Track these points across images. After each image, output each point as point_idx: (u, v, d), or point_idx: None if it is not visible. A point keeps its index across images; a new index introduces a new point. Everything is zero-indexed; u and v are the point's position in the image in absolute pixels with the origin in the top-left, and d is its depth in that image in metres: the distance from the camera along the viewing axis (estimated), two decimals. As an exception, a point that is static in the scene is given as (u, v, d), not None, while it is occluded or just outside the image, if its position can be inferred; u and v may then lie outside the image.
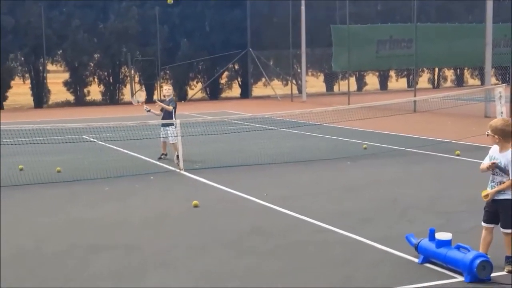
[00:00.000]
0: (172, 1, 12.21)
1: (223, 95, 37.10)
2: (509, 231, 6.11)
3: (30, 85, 33.28)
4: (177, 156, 12.63)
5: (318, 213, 8.60)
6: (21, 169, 12.45)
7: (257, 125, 18.44)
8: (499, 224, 6.19)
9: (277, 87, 37.23)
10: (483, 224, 6.29)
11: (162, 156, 13.81)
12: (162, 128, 13.70)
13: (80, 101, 33.73)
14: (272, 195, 9.89)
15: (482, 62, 21.87)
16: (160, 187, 10.94)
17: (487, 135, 6.24)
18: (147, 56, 33.52)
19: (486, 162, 6.24)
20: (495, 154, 6.21)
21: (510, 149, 6.14)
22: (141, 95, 15.00)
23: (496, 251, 6.23)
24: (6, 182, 11.14)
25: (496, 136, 6.16)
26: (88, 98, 34.38)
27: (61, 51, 33.46)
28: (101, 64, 34.21)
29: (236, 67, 37.57)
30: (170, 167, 12.67)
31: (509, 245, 6.13)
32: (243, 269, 6.46)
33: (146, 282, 6.15)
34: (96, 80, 34.64)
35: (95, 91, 34.72)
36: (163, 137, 13.76)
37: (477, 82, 39.81)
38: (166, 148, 13.87)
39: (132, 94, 14.59)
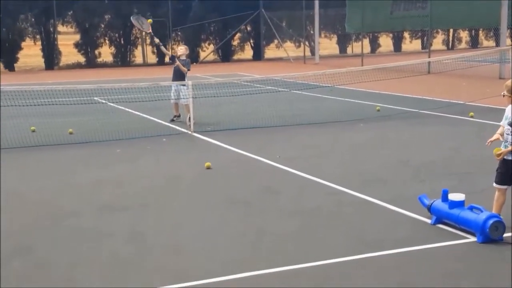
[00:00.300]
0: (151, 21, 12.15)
1: (235, 57, 36.90)
2: None
3: (41, 47, 33.24)
4: (189, 118, 12.61)
5: (330, 175, 8.58)
6: (33, 131, 12.49)
7: (269, 87, 18.34)
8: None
9: (290, 49, 36.97)
10: (495, 185, 6.25)
11: (175, 118, 13.78)
12: (173, 89, 13.63)
13: (91, 62, 33.68)
14: (284, 156, 9.87)
15: (497, 22, 21.53)
16: (172, 149, 10.95)
17: (503, 95, 6.15)
18: (158, 17, 33.29)
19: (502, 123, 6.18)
20: (510, 114, 6.13)
21: None
22: (148, 26, 14.77)
23: (508, 212, 6.20)
24: (18, 143, 11.18)
25: (510, 95, 6.08)
26: (99, 59, 34.31)
27: (71, 12, 33.32)
28: (112, 25, 34.05)
29: (248, 28, 37.27)
30: (182, 129, 12.66)
31: None
32: (255, 229, 6.47)
33: (160, 240, 6.18)
34: (107, 41, 34.52)
35: (106, 52, 34.63)
36: (174, 99, 13.71)
37: (491, 43, 39.29)
38: (178, 110, 13.83)
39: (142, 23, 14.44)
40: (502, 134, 6.23)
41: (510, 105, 6.19)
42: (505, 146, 6.14)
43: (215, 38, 36.58)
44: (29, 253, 5.91)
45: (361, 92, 17.70)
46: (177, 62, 13.43)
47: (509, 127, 6.08)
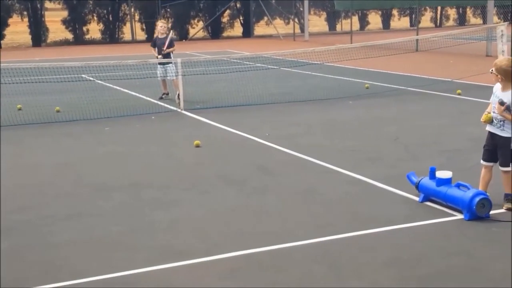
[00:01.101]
0: None
1: (225, 34, 36.74)
2: (508, 169, 6.14)
3: (28, 23, 32.92)
4: (178, 95, 12.59)
5: (320, 153, 8.62)
6: (19, 109, 12.42)
7: (259, 64, 18.30)
8: (499, 164, 6.21)
9: (279, 26, 36.83)
10: (482, 162, 6.32)
11: (164, 96, 13.75)
12: (160, 67, 13.56)
13: (79, 39, 33.43)
14: (273, 134, 9.89)
15: (484, 0, 21.53)
16: (162, 127, 10.94)
17: (491, 72, 6.19)
18: (147, -6, 33.05)
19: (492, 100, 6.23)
20: (498, 92, 6.18)
21: (511, 89, 6.12)
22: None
23: (495, 189, 6.27)
24: (4, 122, 11.12)
25: (499, 76, 6.12)
26: (87, 36, 34.06)
27: (59, -12, 33.01)
28: (100, 2, 33.74)
29: (238, 5, 37.07)
30: (171, 107, 12.64)
31: (508, 183, 6.17)
32: (246, 207, 6.51)
33: (154, 217, 6.21)
34: (95, 18, 34.25)
35: (94, 29, 34.37)
36: (161, 76, 13.65)
37: (479, 21, 39.36)
38: (166, 87, 13.79)
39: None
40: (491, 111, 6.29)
41: (497, 83, 6.24)
42: (494, 123, 6.19)
43: (204, 15, 36.37)
44: (14, 233, 5.93)
45: (350, 70, 17.71)
46: (165, 51, 13.27)
47: (495, 105, 6.14)
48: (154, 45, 13.69)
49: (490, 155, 6.25)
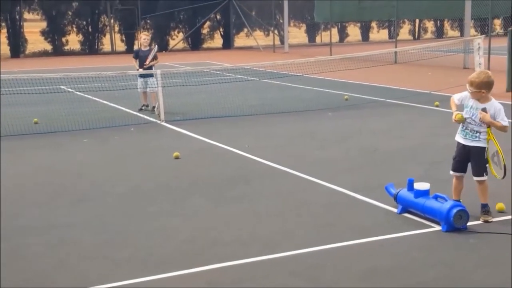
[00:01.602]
0: None
1: (205, 45, 36.78)
2: (482, 178, 6.21)
3: (6, 34, 32.68)
4: (157, 107, 12.57)
5: (299, 164, 8.63)
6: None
7: (239, 76, 18.35)
8: (472, 174, 6.27)
9: (259, 37, 36.97)
10: (452, 173, 6.39)
11: (143, 107, 13.72)
12: (140, 79, 13.53)
13: (58, 50, 33.26)
14: (253, 146, 9.90)
15: (462, 13, 21.82)
16: (141, 139, 10.90)
17: (472, 92, 6.21)
18: (127, 5, 33.00)
19: (461, 111, 6.30)
20: (475, 104, 6.23)
21: (493, 99, 6.19)
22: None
23: (472, 200, 6.32)
24: (-16, 133, 11.02)
25: (482, 91, 6.16)
26: (66, 47, 33.90)
27: (38, -1, 32.85)
28: (79, 12, 33.64)
29: (218, 17, 37.14)
30: (151, 119, 12.61)
31: (484, 193, 6.24)
32: (223, 219, 6.49)
33: (131, 229, 6.17)
34: (74, 29, 34.11)
35: (73, 40, 34.23)
36: (141, 88, 13.62)
37: (456, 33, 39.84)
38: (146, 99, 13.76)
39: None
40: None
41: (465, 93, 6.32)
42: (466, 134, 6.25)
43: (184, 26, 36.39)
44: (-4, 245, 5.87)
45: (329, 81, 17.81)
46: (147, 64, 13.26)
47: (473, 117, 6.20)
48: (136, 57, 13.65)
49: (460, 165, 6.33)
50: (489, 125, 6.15)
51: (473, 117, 6.21)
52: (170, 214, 6.69)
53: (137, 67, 13.45)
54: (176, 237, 6.00)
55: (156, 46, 14.08)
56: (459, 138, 6.35)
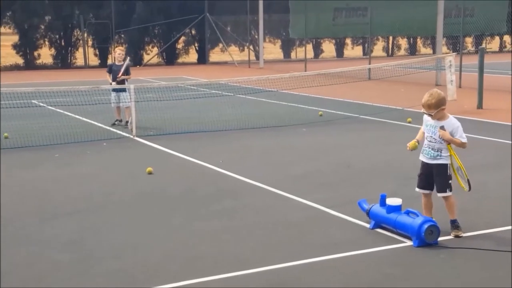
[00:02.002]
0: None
1: (180, 60, 36.73)
2: (446, 194, 6.28)
3: (-22, 48, 32.34)
4: (127, 122, 12.51)
5: (272, 180, 8.63)
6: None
7: (214, 91, 18.33)
8: (437, 191, 6.33)
9: (235, 53, 37.03)
10: (417, 189, 6.44)
11: (116, 122, 13.63)
12: (113, 94, 13.47)
13: (30, 64, 32.96)
14: (227, 161, 9.88)
15: (434, 31, 22.12)
16: (113, 154, 10.82)
17: (434, 115, 6.26)
18: (100, 19, 32.86)
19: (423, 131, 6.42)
20: (434, 122, 6.29)
21: (450, 116, 6.29)
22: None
23: (443, 216, 6.37)
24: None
25: (442, 107, 6.22)
26: (38, 61, 33.60)
27: (10, 12, 32.52)
28: (52, 26, 33.40)
29: (193, 32, 37.15)
30: (124, 134, 12.53)
31: (451, 209, 6.31)
32: (197, 234, 6.45)
33: (101, 245, 6.10)
34: (47, 43, 33.84)
35: (46, 54, 33.94)
36: (114, 103, 13.55)
37: (429, 51, 40.34)
38: (120, 114, 13.68)
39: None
40: (420, 139, 6.45)
41: (425, 116, 6.38)
42: (429, 152, 6.31)
43: (159, 41, 36.33)
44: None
45: (304, 97, 17.88)
46: (120, 78, 13.23)
47: (433, 135, 6.26)
48: (109, 71, 13.59)
49: (426, 183, 6.39)
50: (449, 142, 6.22)
51: (433, 136, 6.28)
52: (142, 231, 6.62)
53: (110, 81, 13.39)
54: (149, 253, 5.94)
55: (129, 58, 14.02)
56: (422, 157, 6.44)
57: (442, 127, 6.22)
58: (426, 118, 6.39)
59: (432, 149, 6.30)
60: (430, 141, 6.31)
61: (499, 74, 22.36)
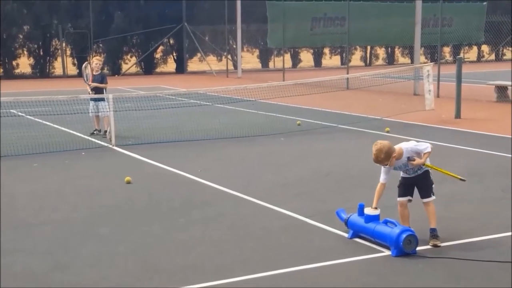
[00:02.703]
0: None
1: (158, 70, 36.68)
2: (430, 199, 6.38)
3: (-45, 57, 32.01)
4: (106, 132, 12.47)
5: (251, 189, 8.65)
6: None
7: (192, 100, 18.35)
8: (421, 196, 6.40)
9: (213, 62, 37.06)
10: (400, 199, 6.46)
11: (95, 132, 13.58)
12: (92, 103, 13.45)
13: (8, 74, 32.69)
14: (205, 171, 9.88)
15: (411, 41, 22.34)
16: (92, 163, 10.77)
17: (390, 164, 6.28)
18: (79, 29, 32.72)
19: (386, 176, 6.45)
20: (398, 162, 6.35)
21: (400, 145, 6.34)
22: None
23: (421, 225, 6.43)
24: None
25: (393, 155, 6.23)
26: (17, 71, 33.36)
27: (-12, 22, 32.27)
28: (31, 36, 33.20)
29: (171, 41, 37.14)
30: (102, 143, 12.48)
31: (432, 216, 6.38)
32: (177, 244, 6.44)
33: (79, 254, 6.07)
34: (25, 52, 33.62)
35: (24, 64, 33.70)
36: (92, 112, 13.54)
37: (407, 60, 40.68)
38: (99, 124, 13.63)
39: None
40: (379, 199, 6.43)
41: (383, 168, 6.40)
42: (408, 171, 6.40)
43: (137, 50, 36.25)
44: None
45: (282, 107, 17.94)
46: (92, 85, 13.25)
47: (407, 170, 6.36)
48: (87, 80, 13.56)
49: (407, 190, 6.45)
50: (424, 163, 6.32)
51: (407, 168, 6.39)
52: (120, 240, 6.60)
53: (89, 90, 13.40)
54: (126, 263, 5.92)
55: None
56: (403, 174, 6.48)
57: (409, 159, 6.28)
58: (387, 168, 6.39)
59: (408, 171, 6.43)
60: (406, 171, 6.40)
61: (477, 83, 22.63)
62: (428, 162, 6.39)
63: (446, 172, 6.64)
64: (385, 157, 6.20)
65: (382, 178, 6.46)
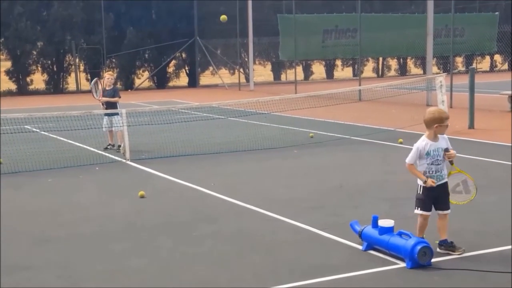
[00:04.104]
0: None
1: (171, 84, 36.84)
2: (449, 211, 6.40)
3: (-30, 74, 32.35)
4: (120, 146, 12.53)
5: (264, 202, 8.65)
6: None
7: (205, 114, 18.40)
8: (439, 208, 6.36)
9: (225, 76, 37.19)
10: (423, 212, 6.36)
11: (109, 147, 13.65)
12: (106, 118, 13.52)
13: (23, 90, 32.99)
14: (219, 184, 9.90)
15: (424, 52, 22.30)
16: (106, 178, 10.82)
17: (442, 127, 6.34)
18: (92, 44, 32.98)
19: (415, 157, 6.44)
20: (432, 146, 6.34)
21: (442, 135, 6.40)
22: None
23: (435, 236, 6.40)
24: None
25: (436, 125, 6.30)
26: (31, 87, 33.65)
27: (2, 39, 32.61)
28: (44, 52, 33.49)
29: (184, 55, 37.32)
30: (116, 158, 12.54)
31: (445, 228, 6.35)
32: (188, 257, 6.45)
33: (95, 268, 6.09)
34: (39, 68, 33.92)
35: (38, 80, 34.00)
36: (106, 127, 13.60)
37: (420, 71, 40.57)
38: (113, 138, 13.71)
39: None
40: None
41: (423, 140, 6.40)
42: (437, 177, 6.34)
43: (150, 65, 36.46)
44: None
45: (295, 119, 17.95)
46: (103, 99, 13.33)
47: (436, 159, 6.32)
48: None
49: (430, 204, 6.40)
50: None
51: (438, 159, 6.33)
52: (134, 254, 6.62)
53: (103, 106, 13.46)
54: (139, 277, 5.93)
55: (96, 79, 14.07)
56: (431, 181, 6.36)
57: (447, 150, 6.34)
58: (422, 146, 6.39)
59: (438, 171, 6.37)
60: (436, 164, 6.35)
61: (490, 93, 22.54)
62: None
63: (472, 179, 6.58)
64: (445, 115, 6.31)
65: (409, 158, 6.47)
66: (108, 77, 13.88)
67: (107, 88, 13.60)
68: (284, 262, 6.27)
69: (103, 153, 13.23)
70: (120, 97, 13.72)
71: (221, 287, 5.63)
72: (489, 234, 7.01)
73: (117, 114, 13.23)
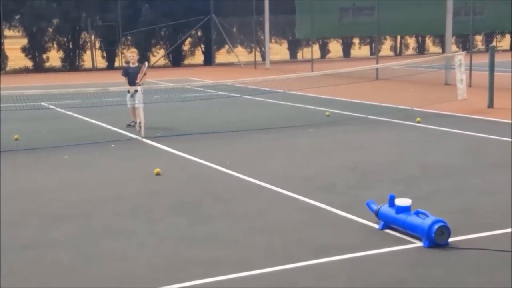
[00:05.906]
0: None
1: (186, 62, 36.77)
2: None
3: (-13, 51, 32.45)
4: (139, 123, 12.49)
5: (280, 180, 8.60)
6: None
7: (220, 92, 18.33)
8: None
9: (241, 54, 37.02)
10: None
11: (132, 123, 13.48)
12: (129, 95, 13.33)
13: (39, 67, 33.09)
14: (234, 162, 9.86)
15: (443, 30, 22.01)
16: (121, 155, 10.82)
17: None
18: (107, 22, 32.95)
19: None
20: None
21: None
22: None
23: (453, 216, 6.32)
24: (-39, 150, 10.87)
25: None
26: (47, 64, 33.73)
27: (19, 16, 32.66)
28: (60, 29, 33.51)
29: (199, 33, 37.19)
30: (132, 135, 12.52)
31: None
32: (201, 236, 6.43)
33: (106, 247, 6.09)
34: (55, 46, 33.98)
35: (54, 57, 34.07)
36: (130, 104, 13.41)
37: (438, 49, 40.17)
38: (136, 115, 13.57)
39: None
40: None
41: None
42: None
43: (165, 43, 36.38)
44: (-29, 264, 5.75)
45: (311, 98, 17.84)
46: (140, 81, 13.19)
47: None
48: (125, 74, 13.54)
49: None
50: None
51: None
52: (147, 232, 6.60)
53: (128, 87, 13.27)
54: (154, 255, 5.92)
55: (146, 63, 13.99)
56: None
57: None
58: None
59: None
60: None
61: (510, 72, 22.22)
62: None
63: None
64: None
65: None
66: (131, 54, 13.85)
67: (131, 66, 13.53)
68: (299, 240, 6.21)
69: (119, 130, 13.21)
70: (146, 74, 13.58)
71: (233, 263, 5.60)
72: (507, 214, 6.90)
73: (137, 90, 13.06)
